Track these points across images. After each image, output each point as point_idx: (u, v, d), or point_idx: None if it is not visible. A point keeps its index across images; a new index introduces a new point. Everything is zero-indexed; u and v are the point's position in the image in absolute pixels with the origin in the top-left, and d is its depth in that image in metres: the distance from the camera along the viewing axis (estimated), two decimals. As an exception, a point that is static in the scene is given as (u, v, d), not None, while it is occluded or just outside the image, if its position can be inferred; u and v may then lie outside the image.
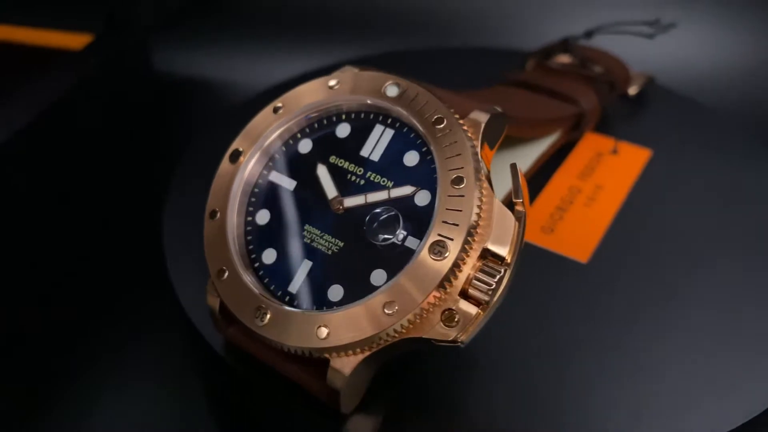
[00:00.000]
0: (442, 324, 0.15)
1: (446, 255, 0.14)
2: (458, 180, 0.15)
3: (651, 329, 0.18)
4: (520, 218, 0.15)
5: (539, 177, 0.23)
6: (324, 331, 0.15)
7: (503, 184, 0.21)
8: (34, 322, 0.22)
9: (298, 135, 0.18)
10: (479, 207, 0.15)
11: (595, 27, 0.26)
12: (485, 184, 0.15)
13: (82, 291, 0.22)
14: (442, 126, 0.16)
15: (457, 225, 0.15)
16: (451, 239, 0.14)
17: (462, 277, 0.15)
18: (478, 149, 0.15)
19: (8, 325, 0.22)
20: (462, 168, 0.15)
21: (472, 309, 0.15)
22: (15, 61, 0.30)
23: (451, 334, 0.15)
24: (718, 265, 0.20)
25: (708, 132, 0.25)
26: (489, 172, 0.16)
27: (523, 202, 0.15)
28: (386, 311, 0.14)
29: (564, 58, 0.26)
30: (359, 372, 0.15)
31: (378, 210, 0.16)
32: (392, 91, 0.16)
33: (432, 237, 0.15)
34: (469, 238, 0.15)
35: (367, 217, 0.16)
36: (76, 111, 0.26)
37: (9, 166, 0.24)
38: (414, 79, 0.18)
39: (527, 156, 0.22)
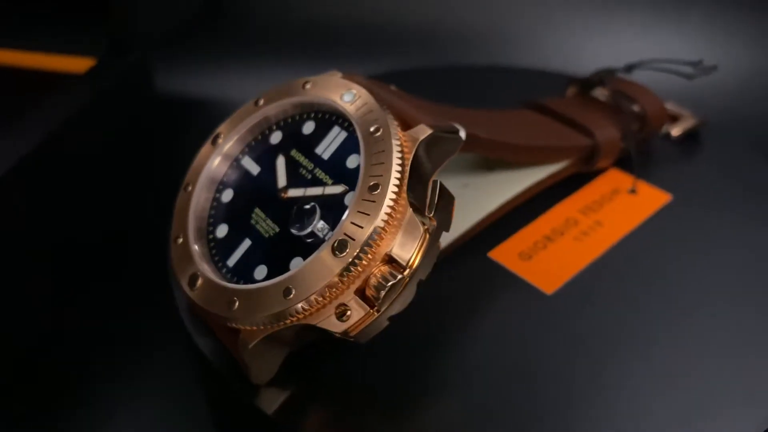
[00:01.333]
0: (334, 317, 0.16)
1: (345, 253, 0.15)
2: (374, 187, 0.16)
3: (590, 373, 0.18)
4: (429, 231, 0.16)
5: (540, 204, 0.23)
6: (235, 304, 0.16)
7: (490, 202, 0.22)
8: (39, 343, 0.24)
9: (274, 127, 0.19)
10: (388, 215, 0.15)
11: (636, 62, 0.25)
12: (403, 195, 0.16)
13: (87, 313, 0.24)
14: (377, 135, 0.16)
15: (362, 228, 0.15)
16: (353, 240, 0.15)
17: (361, 276, 0.15)
18: (407, 161, 0.16)
19: (12, 350, 0.23)
20: (381, 176, 0.16)
21: (363, 308, 0.15)
22: (18, 86, 0.31)
23: (341, 327, 0.16)
24: (695, 327, 0.19)
25: (746, 189, 0.24)
26: (428, 182, 0.16)
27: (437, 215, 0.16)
28: (285, 296, 0.16)
29: (605, 91, 0.25)
30: (264, 347, 0.17)
31: (306, 204, 0.17)
32: (347, 97, 0.18)
33: (338, 235, 0.16)
34: (371, 242, 0.15)
35: (295, 208, 0.17)
36: (82, 134, 0.27)
37: (15, 189, 0.24)
38: (388, 87, 0.19)
39: (519, 181, 0.22)
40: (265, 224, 0.18)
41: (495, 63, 0.33)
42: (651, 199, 0.23)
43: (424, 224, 0.16)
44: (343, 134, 0.18)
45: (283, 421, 0.17)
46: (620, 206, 0.23)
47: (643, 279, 0.21)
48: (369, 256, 0.15)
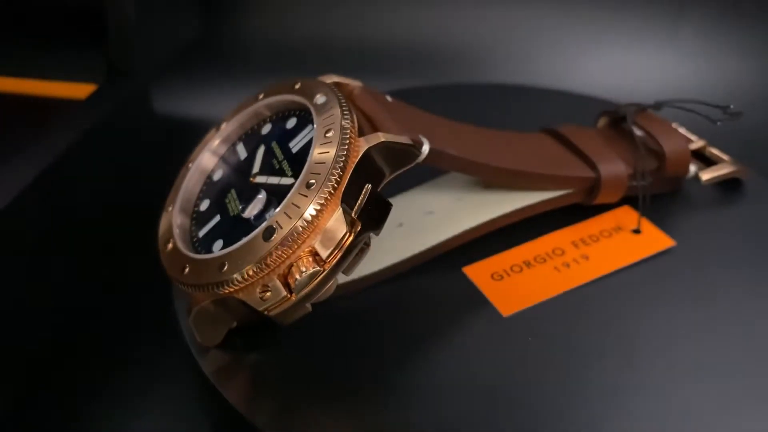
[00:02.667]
0: (257, 295, 0.17)
1: (272, 239, 0.17)
2: (311, 184, 0.17)
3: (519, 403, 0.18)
4: (353, 232, 0.17)
5: (535, 229, 0.23)
6: (186, 269, 0.18)
7: (474, 218, 0.22)
8: (44, 375, 0.24)
9: (267, 119, 0.21)
10: (317, 210, 0.17)
11: (665, 100, 0.24)
12: (338, 194, 0.17)
13: (94, 344, 0.25)
14: (328, 135, 0.18)
15: (290, 219, 0.17)
16: (281, 228, 0.17)
17: (286, 262, 0.17)
18: (349, 164, 0.17)
19: (16, 383, 0.24)
20: (318, 174, 0.17)
21: (282, 291, 0.17)
22: (21, 113, 0.31)
23: (261, 305, 0.17)
24: (648, 387, 0.18)
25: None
26: (363, 186, 0.17)
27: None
28: (219, 269, 0.17)
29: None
30: (208, 315, 0.18)
31: (260, 191, 0.19)
32: (320, 100, 0.19)
33: (270, 222, 0.17)
34: (295, 233, 0.17)
35: (251, 194, 0.19)
36: (85, 159, 0.27)
37: (21, 216, 0.24)
38: (382, 97, 0.20)
39: (509, 202, 0.22)
40: (233, 204, 0.19)
41: (489, 81, 0.33)
42: (651, 242, 0.23)
43: (351, 225, 0.17)
44: (313, 133, 0.19)
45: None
46: (616, 244, 0.23)
47: (602, 321, 0.20)
48: (294, 245, 0.17)
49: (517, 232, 0.23)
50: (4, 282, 0.24)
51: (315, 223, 0.17)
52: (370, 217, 0.17)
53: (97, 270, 0.28)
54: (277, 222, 0.17)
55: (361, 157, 0.17)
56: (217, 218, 0.20)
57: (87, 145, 0.27)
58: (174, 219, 0.20)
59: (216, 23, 0.39)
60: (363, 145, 0.18)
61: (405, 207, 0.23)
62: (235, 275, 0.17)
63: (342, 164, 0.17)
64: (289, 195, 0.17)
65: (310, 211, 0.17)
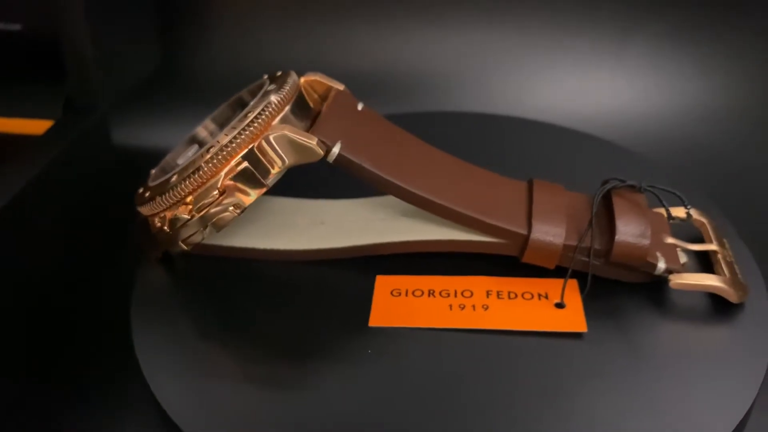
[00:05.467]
0: (158, 221, 0.22)
1: (183, 176, 0.21)
2: (211, 148, 0.21)
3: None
4: (221, 196, 0.21)
5: (465, 265, 0.23)
6: (146, 193, 0.23)
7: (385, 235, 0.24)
8: (3, 406, 0.25)
9: (241, 101, 0.25)
10: (204, 169, 0.21)
11: (636, 182, 0.22)
12: (228, 163, 0.20)
13: (53, 377, 0.26)
14: (250, 114, 0.21)
15: (190, 172, 0.21)
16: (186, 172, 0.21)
17: (179, 202, 0.21)
18: (244, 142, 0.20)
19: None
20: (218, 142, 0.21)
21: (162, 224, 0.22)
22: None
23: (155, 228, 0.22)
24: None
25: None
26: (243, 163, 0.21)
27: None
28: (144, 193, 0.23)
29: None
30: (148, 232, 0.23)
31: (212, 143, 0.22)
32: (270, 88, 0.22)
33: (187, 165, 0.21)
34: (188, 181, 0.21)
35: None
36: (43, 194, 0.27)
37: None
38: (351, 103, 0.23)
39: (428, 230, 0.23)
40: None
41: (440, 109, 0.33)
42: (564, 320, 0.21)
43: (220, 192, 0.20)
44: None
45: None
46: (527, 308, 0.22)
47: (446, 374, 0.20)
48: (189, 186, 0.21)
49: (445, 262, 0.23)
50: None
51: (200, 180, 0.21)
52: (240, 188, 0.20)
53: (57, 307, 0.29)
54: (191, 166, 0.21)
55: (261, 139, 0.21)
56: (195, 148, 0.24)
57: (45, 180, 0.27)
58: (152, 174, 0.24)
59: (175, 54, 0.41)
60: (269, 130, 0.21)
61: (337, 211, 0.25)
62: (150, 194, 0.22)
63: (238, 141, 0.21)
64: (204, 148, 0.21)
65: (203, 167, 0.21)
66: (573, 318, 0.21)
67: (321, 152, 0.21)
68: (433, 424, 0.19)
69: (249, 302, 0.23)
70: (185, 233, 0.21)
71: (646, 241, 0.21)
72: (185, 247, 0.22)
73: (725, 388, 0.19)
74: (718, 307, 0.22)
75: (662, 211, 0.23)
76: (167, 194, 0.21)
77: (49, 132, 0.29)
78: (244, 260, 0.24)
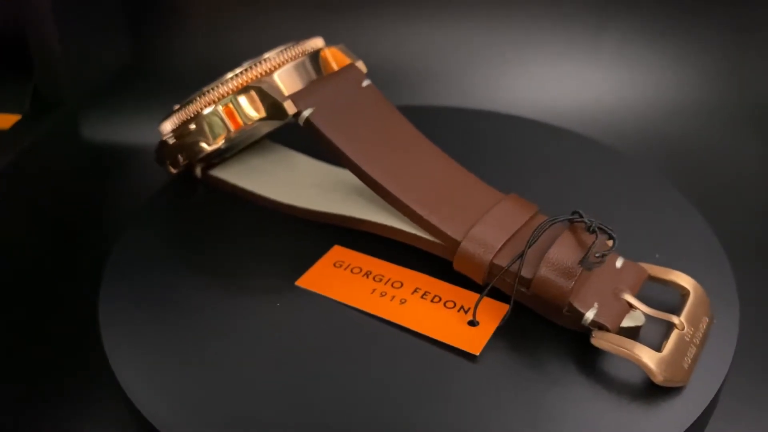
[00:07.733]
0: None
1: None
2: (208, 91, 0.24)
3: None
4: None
5: (414, 258, 0.23)
6: None
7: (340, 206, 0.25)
8: None
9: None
10: (197, 104, 0.24)
11: (602, 224, 0.21)
12: (215, 108, 0.23)
13: (20, 373, 0.26)
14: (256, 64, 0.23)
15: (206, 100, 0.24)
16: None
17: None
18: (229, 89, 0.23)
19: None
20: (215, 88, 0.23)
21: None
22: None
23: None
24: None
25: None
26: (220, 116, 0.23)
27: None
28: None
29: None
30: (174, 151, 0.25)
31: None
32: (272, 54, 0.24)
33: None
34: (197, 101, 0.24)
35: None
36: (10, 190, 0.27)
37: None
38: (355, 79, 0.24)
39: (381, 212, 0.23)
40: None
41: (417, 103, 0.33)
42: (465, 337, 0.21)
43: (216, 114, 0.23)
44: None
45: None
46: (440, 315, 0.21)
47: (351, 352, 0.21)
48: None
49: (409, 254, 0.23)
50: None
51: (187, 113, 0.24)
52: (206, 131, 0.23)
53: (23, 301, 0.28)
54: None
55: (241, 89, 0.23)
56: None
57: (12, 175, 0.27)
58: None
59: (145, 47, 0.40)
60: (254, 82, 0.23)
61: (331, 178, 0.26)
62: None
63: (225, 90, 0.23)
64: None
65: (203, 99, 0.23)
66: (474, 338, 0.21)
67: (289, 112, 0.22)
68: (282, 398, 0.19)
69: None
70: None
71: (567, 282, 0.20)
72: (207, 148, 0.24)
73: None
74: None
75: (647, 266, 0.21)
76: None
77: (16, 126, 0.29)
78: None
